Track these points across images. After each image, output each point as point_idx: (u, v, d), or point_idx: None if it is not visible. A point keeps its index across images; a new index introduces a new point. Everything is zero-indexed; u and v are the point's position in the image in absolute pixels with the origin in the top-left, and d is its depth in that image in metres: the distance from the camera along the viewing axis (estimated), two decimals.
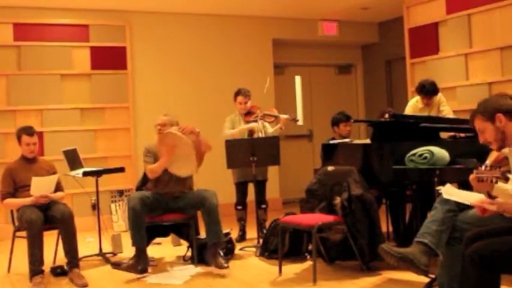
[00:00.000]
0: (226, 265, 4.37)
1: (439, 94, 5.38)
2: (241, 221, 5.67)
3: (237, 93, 5.64)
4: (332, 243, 4.47)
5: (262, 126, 5.59)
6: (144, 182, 4.86)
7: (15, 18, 6.51)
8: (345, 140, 5.21)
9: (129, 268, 4.32)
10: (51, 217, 4.46)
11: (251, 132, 5.52)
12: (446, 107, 5.41)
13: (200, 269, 4.54)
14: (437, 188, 3.44)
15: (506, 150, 3.12)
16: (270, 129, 5.65)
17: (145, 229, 4.45)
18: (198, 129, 4.60)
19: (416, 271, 3.20)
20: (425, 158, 3.93)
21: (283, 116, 5.57)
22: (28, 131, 4.65)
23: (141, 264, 4.36)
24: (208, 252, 4.49)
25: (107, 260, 4.94)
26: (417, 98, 5.42)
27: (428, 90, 5.20)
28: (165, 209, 4.66)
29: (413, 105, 5.45)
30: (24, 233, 4.39)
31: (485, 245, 2.62)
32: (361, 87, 9.06)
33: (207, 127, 6.87)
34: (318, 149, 5.28)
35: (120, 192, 6.82)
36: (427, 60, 6.66)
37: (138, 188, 4.87)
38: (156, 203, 4.58)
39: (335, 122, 5.54)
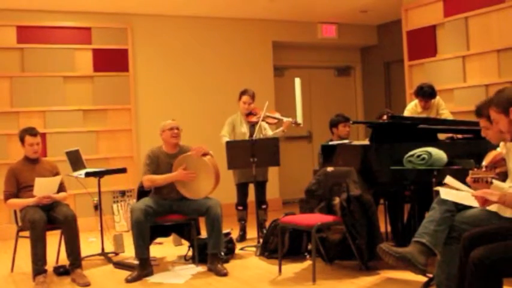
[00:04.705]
0: (224, 271, 4.39)
1: (437, 97, 5.43)
2: (242, 221, 5.71)
3: (243, 92, 5.67)
4: (331, 243, 4.51)
5: (263, 128, 5.65)
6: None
7: (18, 21, 6.56)
8: (344, 141, 5.26)
9: (134, 279, 4.33)
10: (54, 218, 4.50)
11: (253, 130, 5.58)
12: (445, 110, 5.45)
13: (201, 268, 4.59)
14: (435, 188, 3.49)
15: (503, 150, 3.17)
16: (270, 132, 5.70)
17: (148, 239, 4.50)
18: (211, 152, 4.70)
19: (415, 270, 3.22)
20: (423, 159, 3.95)
21: (286, 119, 5.61)
22: (31, 131, 4.69)
23: (145, 271, 4.42)
24: (208, 260, 4.54)
25: (109, 260, 4.99)
26: (415, 102, 5.47)
27: (425, 92, 5.25)
28: (168, 211, 4.68)
29: (412, 110, 5.48)
30: (27, 233, 4.43)
31: (489, 253, 2.61)
32: (360, 89, 9.12)
33: (207, 128, 6.98)
34: (317, 149, 5.33)
35: (122, 193, 6.87)
36: (425, 62, 6.70)
37: (140, 190, 4.88)
38: (159, 208, 4.60)
39: (333, 124, 5.58)
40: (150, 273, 4.45)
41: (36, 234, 4.29)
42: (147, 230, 4.46)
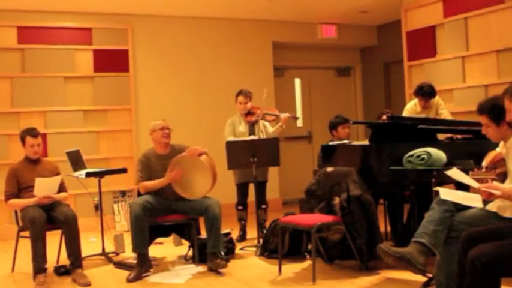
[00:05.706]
0: (222, 268, 4.41)
1: (437, 97, 5.45)
2: (242, 221, 5.73)
3: (238, 93, 5.71)
4: (331, 243, 4.52)
5: (263, 126, 5.67)
6: None
7: (19, 22, 6.58)
8: (344, 141, 5.26)
9: (135, 278, 4.34)
10: (54, 218, 4.51)
11: (252, 129, 5.59)
12: (444, 110, 5.47)
13: (201, 268, 4.60)
14: (435, 188, 3.50)
15: (503, 150, 3.19)
16: (271, 129, 5.72)
17: (147, 234, 4.50)
18: (205, 149, 4.69)
19: (414, 270, 3.23)
20: (423, 159, 3.96)
21: (284, 115, 5.65)
22: (32, 132, 4.70)
23: (144, 268, 4.44)
24: (208, 259, 4.55)
25: (109, 260, 5.00)
26: (415, 101, 5.48)
27: (425, 92, 5.26)
28: (167, 211, 4.70)
29: (411, 109, 5.49)
30: (28, 233, 4.43)
31: (487, 252, 2.62)
32: (360, 90, 9.13)
33: (207, 128, 7.00)
34: (317, 150, 5.34)
35: (123, 193, 6.88)
36: (425, 62, 6.72)
37: (140, 192, 4.87)
38: (158, 206, 4.61)
39: (333, 126, 5.57)
40: (150, 268, 4.48)
41: (36, 232, 4.30)
42: (145, 225, 4.47)
